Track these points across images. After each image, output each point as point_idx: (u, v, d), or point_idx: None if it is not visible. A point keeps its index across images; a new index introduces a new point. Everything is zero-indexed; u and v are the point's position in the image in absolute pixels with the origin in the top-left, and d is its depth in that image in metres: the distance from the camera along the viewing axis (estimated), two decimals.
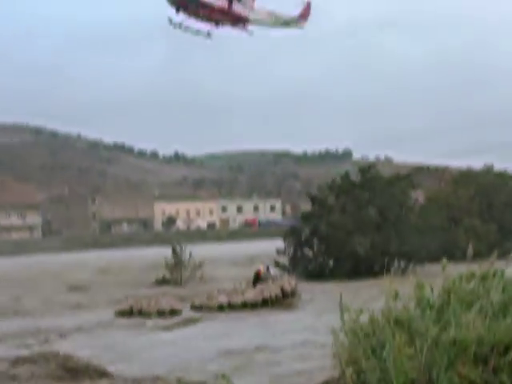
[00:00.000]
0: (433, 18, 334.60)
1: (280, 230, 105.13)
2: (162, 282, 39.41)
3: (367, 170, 44.92)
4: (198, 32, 35.95)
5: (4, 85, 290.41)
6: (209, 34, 36.18)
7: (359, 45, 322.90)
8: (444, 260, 5.99)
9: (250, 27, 38.03)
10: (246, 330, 22.11)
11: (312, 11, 40.63)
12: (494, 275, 5.68)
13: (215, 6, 34.86)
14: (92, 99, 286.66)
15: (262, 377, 13.52)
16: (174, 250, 41.34)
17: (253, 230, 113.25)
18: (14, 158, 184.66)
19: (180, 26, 35.10)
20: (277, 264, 40.58)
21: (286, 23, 39.09)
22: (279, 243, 43.37)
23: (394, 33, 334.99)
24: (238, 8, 36.11)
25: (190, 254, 40.81)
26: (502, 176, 55.43)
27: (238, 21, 36.91)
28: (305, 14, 39.54)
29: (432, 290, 5.64)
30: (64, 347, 18.50)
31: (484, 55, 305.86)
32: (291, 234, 43.95)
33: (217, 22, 35.78)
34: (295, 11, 39.49)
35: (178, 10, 34.34)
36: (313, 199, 45.13)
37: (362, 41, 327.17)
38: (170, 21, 35.08)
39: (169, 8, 34.55)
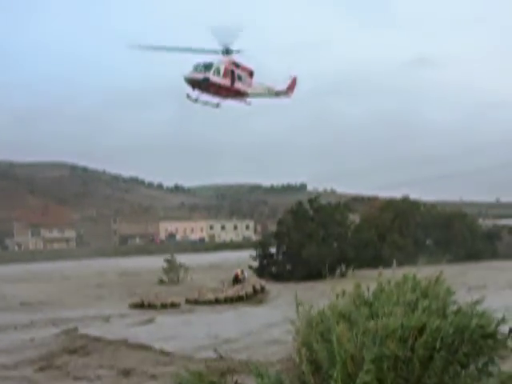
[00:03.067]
0: (368, 87, 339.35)
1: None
2: (163, 282, 39.08)
3: (314, 200, 45.30)
4: (208, 103, 34.94)
5: (52, 133, 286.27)
6: (218, 105, 35.18)
7: (316, 106, 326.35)
8: (380, 269, 5.94)
9: (249, 99, 36.84)
10: (229, 319, 21.93)
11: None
12: (408, 279, 5.69)
13: (221, 85, 34.05)
14: (114, 144, 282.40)
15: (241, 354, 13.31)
16: (168, 260, 41.02)
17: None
18: (56, 187, 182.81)
19: (196, 100, 34.23)
20: (250, 267, 40.47)
21: (277, 94, 37.75)
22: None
23: (341, 97, 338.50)
24: (238, 85, 35.25)
25: (181, 263, 40.56)
26: (415, 204, 55.97)
27: (240, 95, 36.02)
28: (292, 86, 38.11)
29: (368, 289, 5.63)
30: (98, 331, 18.18)
31: (405, 115, 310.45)
32: (260, 245, 43.81)
33: (223, 96, 34.89)
34: (284, 84, 37.77)
35: (193, 87, 33.55)
36: (278, 222, 45.43)
37: (319, 103, 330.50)
38: (188, 95, 34.11)
39: (186, 86, 33.52)
